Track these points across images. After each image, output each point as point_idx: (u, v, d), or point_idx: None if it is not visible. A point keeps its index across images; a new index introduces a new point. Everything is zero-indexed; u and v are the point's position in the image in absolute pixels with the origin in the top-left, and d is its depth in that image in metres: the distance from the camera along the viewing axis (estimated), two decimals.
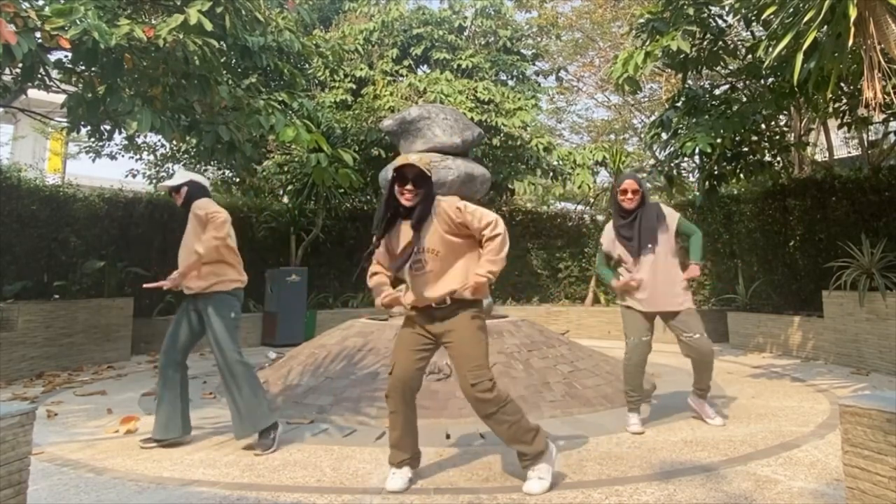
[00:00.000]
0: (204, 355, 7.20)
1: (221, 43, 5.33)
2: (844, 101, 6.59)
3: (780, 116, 7.67)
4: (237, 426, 3.34)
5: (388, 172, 5.72)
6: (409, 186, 2.65)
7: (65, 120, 5.35)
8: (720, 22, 6.31)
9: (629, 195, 3.71)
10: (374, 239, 2.79)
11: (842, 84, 5.88)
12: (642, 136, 15.10)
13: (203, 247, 3.32)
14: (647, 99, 16.14)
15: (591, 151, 10.95)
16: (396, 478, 2.68)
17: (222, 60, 5.49)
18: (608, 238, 3.88)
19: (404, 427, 2.72)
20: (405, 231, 2.72)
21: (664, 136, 7.01)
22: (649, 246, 3.68)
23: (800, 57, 3.80)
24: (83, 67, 4.73)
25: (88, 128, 5.63)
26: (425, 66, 12.18)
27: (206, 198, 3.56)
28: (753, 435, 3.53)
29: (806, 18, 3.57)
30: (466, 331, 2.69)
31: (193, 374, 5.65)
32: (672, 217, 3.77)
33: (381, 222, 2.75)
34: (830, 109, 6.76)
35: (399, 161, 2.72)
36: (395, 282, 2.87)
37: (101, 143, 9.48)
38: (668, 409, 4.23)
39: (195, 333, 3.54)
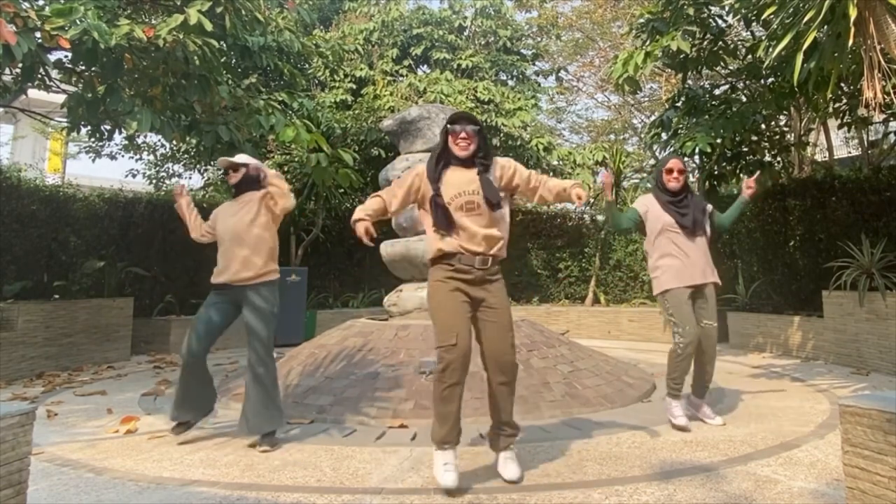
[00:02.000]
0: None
1: (221, 43, 5.34)
2: (844, 101, 6.59)
3: (780, 116, 7.67)
4: (241, 424, 3.36)
5: (388, 173, 5.72)
6: (463, 135, 2.76)
7: (65, 120, 5.36)
8: (720, 22, 6.31)
9: (675, 174, 3.76)
10: (432, 186, 2.79)
11: (842, 84, 5.88)
12: (642, 136, 15.10)
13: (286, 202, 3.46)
14: (647, 99, 16.15)
15: (591, 151, 10.96)
16: (450, 470, 2.60)
17: (222, 60, 5.49)
18: (652, 204, 3.82)
19: (459, 402, 2.65)
20: (455, 177, 2.77)
21: (664, 136, 7.02)
22: (700, 230, 3.74)
23: (800, 57, 3.81)
24: (83, 67, 4.74)
25: (88, 128, 5.63)
26: (425, 66, 12.19)
27: (260, 188, 3.58)
28: (753, 435, 3.53)
29: (806, 18, 3.57)
30: (505, 300, 2.81)
31: None
32: (709, 209, 3.89)
33: (435, 170, 2.80)
34: (830, 109, 6.76)
35: (453, 115, 2.84)
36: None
37: (101, 143, 9.48)
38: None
39: (223, 326, 3.53)
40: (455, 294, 2.71)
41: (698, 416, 3.87)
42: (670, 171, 3.76)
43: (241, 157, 3.66)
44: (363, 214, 2.77)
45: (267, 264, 3.50)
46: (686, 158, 7.25)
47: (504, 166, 2.89)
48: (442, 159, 2.83)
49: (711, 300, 3.73)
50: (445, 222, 2.72)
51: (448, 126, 2.82)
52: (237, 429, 3.40)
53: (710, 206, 3.91)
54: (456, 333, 2.61)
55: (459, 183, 2.77)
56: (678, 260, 3.69)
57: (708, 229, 3.83)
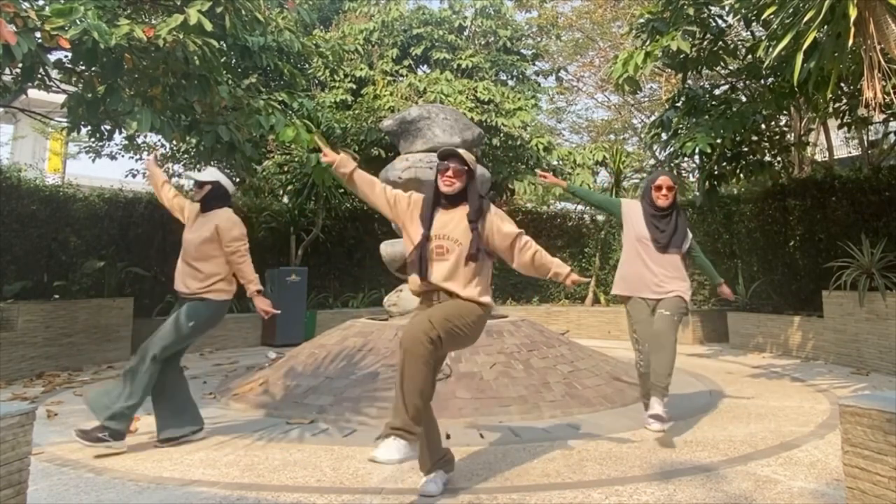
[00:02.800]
0: (203, 355, 7.21)
1: (221, 43, 5.33)
2: (844, 101, 6.59)
3: (780, 116, 7.67)
4: (95, 402, 3.29)
5: (388, 173, 5.72)
6: (449, 172, 2.72)
7: (65, 120, 5.35)
8: (720, 22, 6.31)
9: (664, 192, 3.70)
10: (422, 227, 2.73)
11: (842, 84, 5.88)
12: (642, 136, 15.10)
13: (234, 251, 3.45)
14: (647, 99, 16.15)
15: (591, 151, 10.96)
16: (431, 482, 2.60)
17: (222, 60, 5.49)
18: (632, 209, 3.82)
19: (427, 426, 2.59)
20: (439, 220, 2.74)
21: (664, 136, 7.02)
22: (673, 249, 3.70)
23: (800, 57, 3.81)
24: (83, 67, 4.73)
25: (88, 128, 5.63)
26: (425, 66, 12.19)
27: (228, 207, 3.60)
28: (753, 435, 3.53)
29: (806, 18, 3.57)
30: (449, 305, 2.61)
31: (194, 374, 5.67)
32: (689, 238, 3.86)
33: (428, 213, 2.76)
34: (830, 109, 6.76)
35: (442, 151, 2.80)
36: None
37: (101, 143, 9.47)
38: (668, 409, 4.22)
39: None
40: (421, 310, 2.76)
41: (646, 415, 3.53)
42: (659, 188, 3.70)
43: (206, 174, 3.64)
44: (352, 164, 2.89)
45: (207, 280, 3.46)
46: (686, 158, 7.26)
47: (492, 221, 2.74)
48: (432, 200, 2.78)
49: (670, 300, 3.59)
50: (418, 264, 2.69)
51: (438, 161, 2.79)
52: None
53: (690, 236, 3.82)
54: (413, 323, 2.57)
55: (440, 225, 2.72)
56: (638, 271, 3.69)
57: (684, 247, 3.75)
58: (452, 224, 2.72)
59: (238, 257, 3.48)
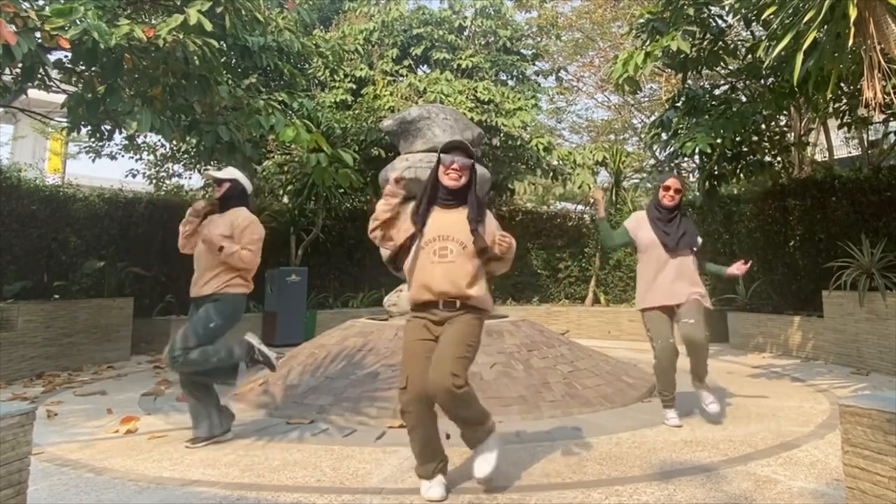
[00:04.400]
0: None
1: (221, 43, 5.33)
2: (844, 101, 6.59)
3: (780, 116, 7.67)
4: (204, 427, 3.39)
5: (387, 173, 5.72)
6: (455, 165, 2.63)
7: (65, 120, 5.35)
8: (720, 22, 6.31)
9: (671, 192, 3.87)
10: (415, 225, 2.66)
11: (842, 84, 5.88)
12: (642, 136, 15.10)
13: (237, 255, 3.42)
14: (647, 99, 16.15)
15: (591, 151, 10.95)
16: (435, 486, 2.56)
17: (222, 60, 5.49)
18: (639, 221, 3.95)
19: (426, 439, 2.58)
20: (437, 219, 2.66)
21: (664, 136, 7.02)
22: (684, 249, 3.82)
23: (800, 57, 3.80)
24: (83, 67, 4.73)
25: (88, 128, 5.63)
26: (425, 66, 12.18)
27: (245, 206, 3.61)
28: (753, 435, 3.53)
29: (806, 18, 3.57)
30: (465, 324, 2.61)
31: None
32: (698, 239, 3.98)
33: (423, 210, 2.68)
34: (830, 109, 6.76)
35: (446, 143, 2.69)
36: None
37: (101, 143, 9.46)
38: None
39: None
40: (418, 332, 2.63)
41: (701, 414, 3.92)
42: (667, 189, 3.87)
43: (225, 172, 3.64)
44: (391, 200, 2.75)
45: (226, 275, 3.48)
46: (686, 158, 7.26)
47: (490, 221, 2.72)
48: (428, 196, 2.69)
49: (692, 306, 3.78)
50: (413, 266, 2.63)
51: (441, 155, 2.67)
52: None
53: (699, 240, 3.97)
54: (406, 376, 2.53)
55: (440, 226, 2.63)
56: (655, 281, 3.81)
57: (695, 246, 3.90)
58: (453, 223, 2.63)
59: (248, 252, 3.48)
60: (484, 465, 2.59)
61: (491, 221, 2.73)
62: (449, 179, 2.65)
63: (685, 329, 3.71)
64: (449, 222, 2.64)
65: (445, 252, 2.59)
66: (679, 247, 3.80)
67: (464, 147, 2.66)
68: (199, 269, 3.48)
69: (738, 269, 3.98)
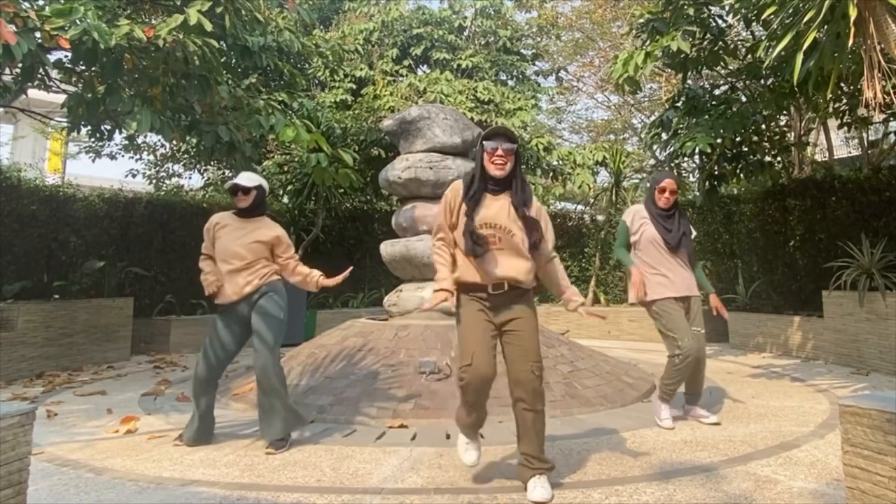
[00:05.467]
0: None
1: (221, 43, 5.33)
2: (844, 101, 6.59)
3: (780, 116, 7.67)
4: (268, 429, 3.33)
5: (387, 173, 5.72)
6: (500, 152, 2.59)
7: (65, 120, 5.35)
8: (720, 22, 6.31)
9: (667, 195, 3.81)
10: (466, 215, 2.60)
11: (842, 84, 5.88)
12: (642, 136, 15.10)
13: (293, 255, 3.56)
14: (647, 99, 16.15)
15: (591, 151, 10.96)
16: (472, 449, 2.72)
17: (222, 60, 5.49)
18: (637, 215, 3.90)
19: (480, 417, 2.71)
20: (487, 206, 2.63)
21: (664, 136, 7.01)
22: (683, 248, 3.81)
23: (800, 57, 3.80)
24: (83, 67, 4.73)
25: (88, 128, 5.63)
26: (425, 66, 12.19)
27: (266, 210, 3.61)
28: (753, 435, 3.53)
29: (806, 18, 3.57)
30: (531, 322, 2.69)
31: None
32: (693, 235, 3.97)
33: (472, 195, 2.62)
34: (830, 109, 6.76)
35: (488, 131, 2.65)
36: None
37: (101, 143, 9.49)
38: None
39: (240, 345, 3.54)
40: (478, 314, 2.64)
41: (693, 417, 3.91)
42: (663, 191, 3.81)
43: (249, 179, 3.51)
44: (448, 285, 2.61)
45: (265, 272, 3.52)
46: (686, 158, 7.25)
47: (539, 211, 2.73)
48: (476, 183, 2.64)
49: (698, 308, 3.83)
50: (473, 252, 2.59)
51: (483, 143, 2.62)
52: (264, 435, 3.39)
53: (693, 234, 3.98)
54: (472, 353, 2.55)
55: (487, 214, 2.62)
56: (664, 275, 3.77)
57: (691, 247, 3.89)
58: (499, 210, 2.62)
59: (294, 261, 3.57)
60: (543, 491, 2.53)
61: (540, 211, 2.75)
62: (495, 168, 2.61)
63: (696, 336, 3.69)
64: (495, 209, 2.63)
65: (494, 240, 2.61)
66: (680, 246, 3.79)
67: (507, 133, 2.63)
68: (233, 270, 3.41)
69: (716, 306, 3.98)
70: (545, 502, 2.49)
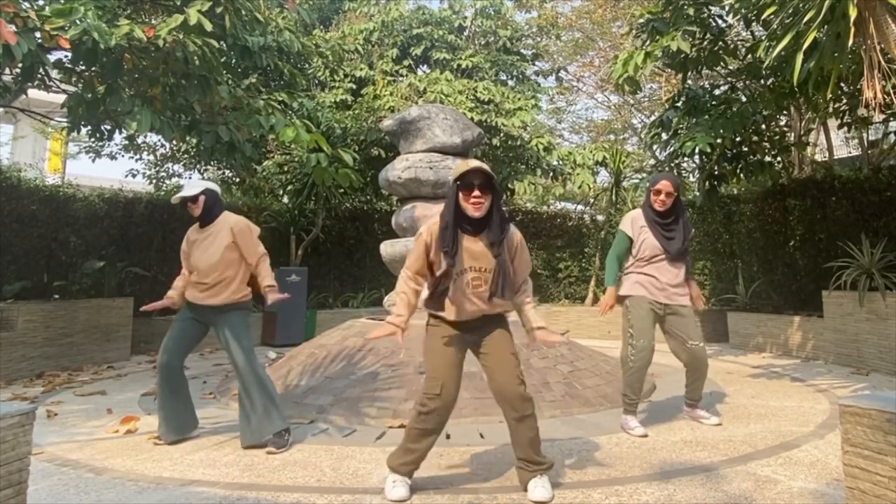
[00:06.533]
0: (203, 355, 7.21)
1: (221, 43, 5.33)
2: (844, 101, 6.59)
3: (780, 116, 7.67)
4: (246, 433, 3.35)
5: (388, 173, 5.72)
6: (476, 193, 2.46)
7: (65, 120, 5.35)
8: (720, 22, 6.31)
9: (662, 197, 3.60)
10: (445, 259, 2.50)
11: (842, 84, 5.88)
12: (642, 136, 15.10)
13: (261, 259, 3.48)
14: (647, 99, 16.15)
15: (591, 151, 10.95)
16: (399, 485, 2.57)
17: (222, 60, 5.49)
18: (636, 222, 3.73)
19: (430, 445, 2.63)
20: (466, 246, 2.54)
21: (664, 136, 7.02)
22: (683, 257, 3.69)
23: (800, 57, 3.80)
24: (83, 67, 4.73)
25: (88, 128, 5.62)
26: (425, 66, 12.18)
27: (222, 209, 3.58)
28: (753, 435, 3.53)
29: (806, 18, 3.57)
30: (505, 336, 2.70)
31: (193, 374, 5.68)
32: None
33: (450, 241, 2.50)
34: (830, 109, 6.76)
35: (461, 167, 2.50)
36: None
37: (101, 143, 9.48)
38: (668, 409, 4.23)
39: (196, 341, 3.60)
40: (448, 339, 2.63)
41: (694, 419, 3.90)
42: (658, 193, 3.62)
43: (191, 188, 3.51)
44: (401, 322, 2.57)
45: (239, 289, 3.50)
46: (686, 158, 7.25)
47: (517, 246, 2.64)
48: (452, 223, 2.51)
49: (690, 319, 3.68)
50: (445, 295, 2.55)
51: (458, 182, 2.50)
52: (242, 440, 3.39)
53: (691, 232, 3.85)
54: (441, 384, 2.55)
55: (470, 255, 2.54)
56: (650, 278, 3.68)
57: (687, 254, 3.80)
58: (482, 252, 2.55)
59: (262, 260, 3.51)
60: (544, 491, 2.53)
61: (517, 245, 2.65)
62: (473, 209, 2.48)
63: (694, 352, 3.64)
64: (477, 251, 2.56)
65: (479, 282, 2.56)
66: (680, 256, 3.68)
67: (483, 170, 2.48)
68: (207, 282, 3.43)
69: (695, 296, 3.83)
70: (546, 502, 2.49)
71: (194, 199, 3.47)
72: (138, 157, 10.61)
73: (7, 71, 4.80)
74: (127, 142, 9.11)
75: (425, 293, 2.68)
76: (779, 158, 7.64)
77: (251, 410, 3.34)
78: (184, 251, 3.58)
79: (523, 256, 2.68)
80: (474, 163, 2.51)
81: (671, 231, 3.66)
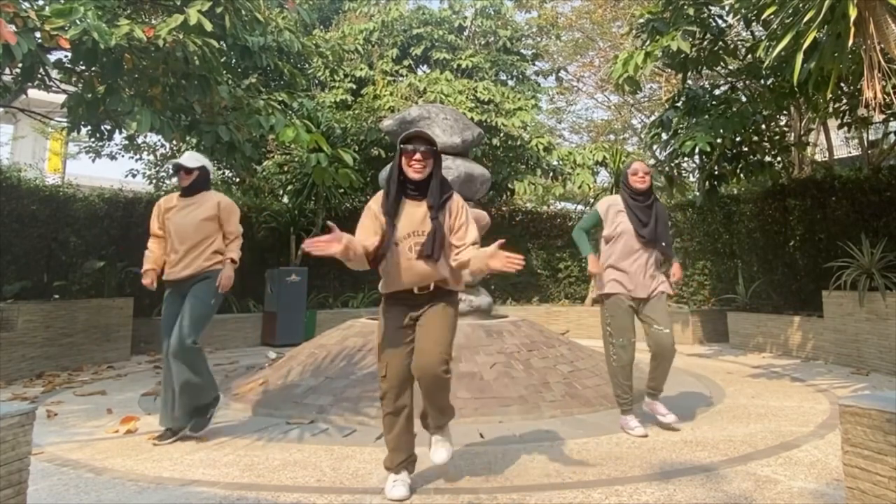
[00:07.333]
0: None
1: (221, 43, 5.33)
2: (844, 101, 6.59)
3: (780, 116, 7.67)
4: (168, 416, 3.45)
5: (388, 173, 5.72)
6: (417, 155, 2.55)
7: (65, 120, 5.35)
8: (720, 22, 6.32)
9: (640, 175, 3.74)
10: (387, 221, 2.57)
11: (842, 84, 5.88)
12: (642, 136, 15.10)
13: (237, 237, 3.64)
14: (647, 99, 16.15)
15: (591, 151, 10.96)
16: (399, 485, 2.58)
17: (222, 60, 5.49)
18: (613, 207, 3.79)
19: (402, 425, 2.66)
20: (409, 212, 2.60)
21: (664, 136, 7.02)
22: (660, 243, 3.69)
23: (800, 57, 3.81)
24: (83, 67, 4.73)
25: (88, 128, 5.63)
26: (425, 66, 12.19)
27: (209, 188, 3.70)
28: (753, 435, 3.53)
29: (806, 18, 3.57)
30: (445, 311, 2.65)
31: None
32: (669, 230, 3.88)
33: (392, 204, 2.58)
34: (830, 109, 6.76)
35: (407, 134, 2.61)
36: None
37: (101, 143, 9.48)
38: (668, 409, 4.22)
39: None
40: (396, 320, 2.66)
41: (652, 412, 3.75)
42: (635, 172, 3.76)
43: (191, 159, 3.62)
44: (344, 236, 2.42)
45: (212, 256, 3.62)
46: (686, 158, 7.25)
47: (457, 210, 2.65)
48: (395, 186, 2.61)
49: (661, 304, 3.67)
50: (388, 262, 2.58)
51: (401, 146, 2.59)
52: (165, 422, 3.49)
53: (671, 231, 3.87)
54: (385, 364, 2.62)
55: (413, 221, 2.59)
56: (626, 273, 3.67)
57: (669, 240, 3.79)
58: (424, 217, 2.59)
59: (236, 239, 3.67)
60: (443, 452, 2.73)
61: (458, 210, 2.65)
62: (413, 171, 2.57)
63: (659, 337, 3.60)
64: (419, 216, 2.60)
65: (420, 248, 2.57)
66: (657, 240, 3.68)
67: (425, 136, 2.60)
68: (180, 250, 3.55)
69: (675, 269, 3.80)
70: (441, 464, 2.74)
71: (189, 171, 3.59)
72: (138, 157, 10.61)
73: (7, 71, 4.80)
74: (127, 142, 9.11)
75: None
76: (779, 158, 7.64)
77: (176, 392, 3.41)
78: (156, 218, 3.73)
79: (461, 220, 2.64)
80: (418, 129, 2.65)
81: (647, 215, 3.71)
